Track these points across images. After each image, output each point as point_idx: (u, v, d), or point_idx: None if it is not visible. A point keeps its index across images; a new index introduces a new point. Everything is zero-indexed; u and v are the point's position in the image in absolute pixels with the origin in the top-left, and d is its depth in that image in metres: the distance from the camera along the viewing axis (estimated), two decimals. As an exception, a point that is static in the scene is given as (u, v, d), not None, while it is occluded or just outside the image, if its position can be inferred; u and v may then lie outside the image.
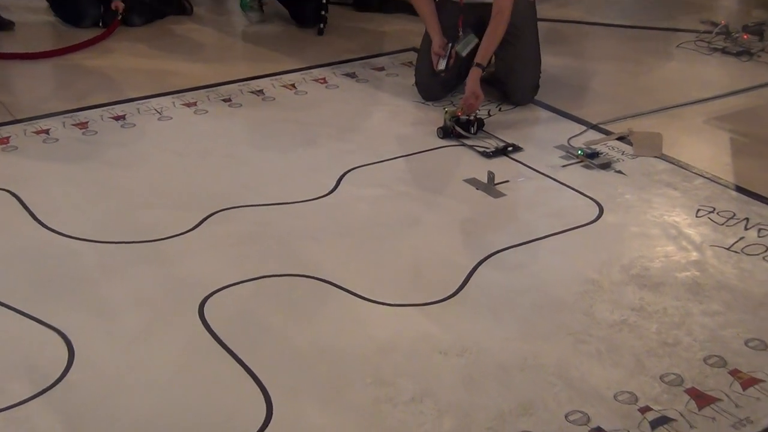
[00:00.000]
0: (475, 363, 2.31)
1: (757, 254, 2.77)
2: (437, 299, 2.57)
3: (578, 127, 3.62)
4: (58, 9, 4.80)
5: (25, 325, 2.44)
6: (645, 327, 2.44)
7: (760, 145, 3.53)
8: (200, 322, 2.46)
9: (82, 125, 3.63)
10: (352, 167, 3.30)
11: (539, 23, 3.94)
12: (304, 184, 3.18)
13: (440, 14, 3.79)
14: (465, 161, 3.36)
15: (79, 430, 2.08)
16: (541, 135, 3.57)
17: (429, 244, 2.85)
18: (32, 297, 2.55)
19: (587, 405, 2.16)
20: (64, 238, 2.85)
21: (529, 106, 3.82)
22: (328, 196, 3.12)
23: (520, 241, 2.85)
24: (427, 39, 3.84)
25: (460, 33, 3.71)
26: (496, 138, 3.51)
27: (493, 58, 3.77)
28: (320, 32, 4.75)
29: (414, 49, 4.41)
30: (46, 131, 3.58)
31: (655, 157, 3.38)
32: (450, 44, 3.71)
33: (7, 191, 3.11)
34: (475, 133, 3.51)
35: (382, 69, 4.25)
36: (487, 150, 3.42)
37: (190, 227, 2.91)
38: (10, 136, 3.52)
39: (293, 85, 4.04)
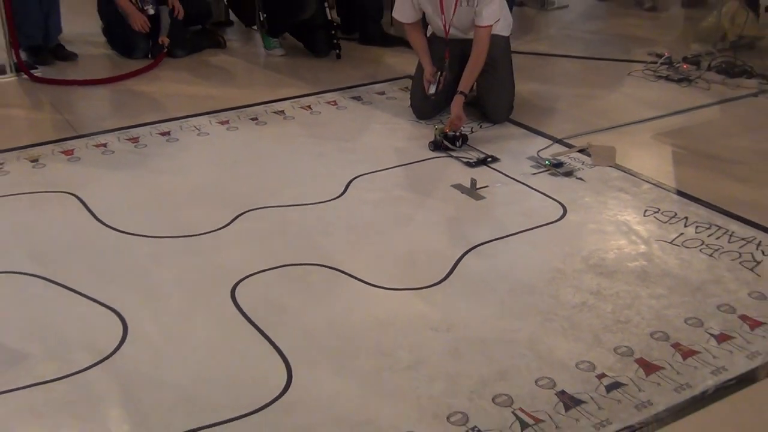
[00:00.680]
0: (461, 337, 2.31)
1: (695, 247, 2.77)
2: (429, 284, 2.57)
3: (545, 142, 3.61)
4: (114, 43, 4.80)
5: (87, 305, 2.45)
6: (601, 308, 2.44)
7: (696, 156, 3.52)
8: (232, 303, 2.46)
9: (134, 140, 3.62)
10: (357, 174, 3.30)
11: (513, 55, 3.93)
12: (318, 189, 3.17)
13: (430, 47, 3.79)
14: (451, 170, 3.36)
15: (131, 393, 2.08)
16: (515, 148, 3.57)
17: (421, 239, 2.85)
18: (93, 282, 2.55)
19: (553, 372, 2.16)
20: (119, 233, 2.85)
21: (505, 124, 3.81)
22: (338, 199, 3.12)
23: (498, 236, 2.85)
24: (419, 68, 3.84)
25: (446, 63, 3.72)
26: (478, 150, 3.51)
27: (475, 84, 3.77)
28: (338, 57, 4.76)
29: (409, 77, 4.41)
30: (104, 145, 3.57)
31: (610, 166, 3.37)
32: (439, 72, 3.71)
33: (72, 194, 3.11)
34: (460, 147, 3.51)
35: (382, 93, 4.24)
36: (470, 160, 3.42)
37: (224, 224, 2.91)
38: (74, 149, 3.52)
39: (309, 107, 4.04)
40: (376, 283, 2.57)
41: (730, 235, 2.84)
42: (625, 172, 3.32)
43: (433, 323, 2.37)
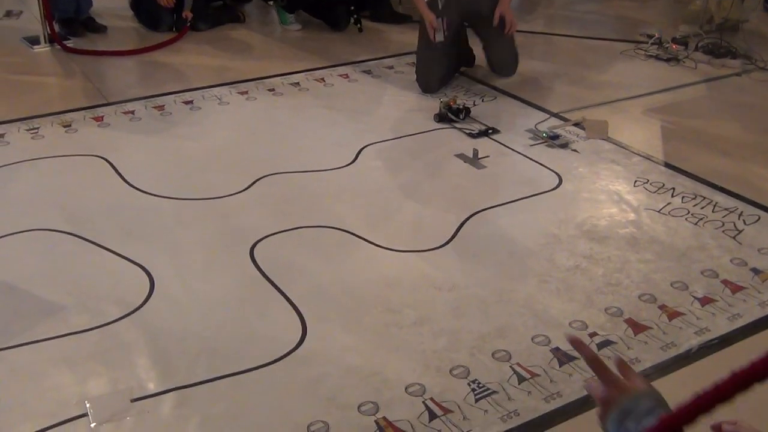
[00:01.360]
0: (462, 297, 2.30)
1: (681, 216, 2.74)
2: (433, 247, 2.55)
3: (543, 115, 3.57)
4: (140, 16, 4.74)
5: (117, 262, 2.43)
6: (593, 271, 2.43)
7: (683, 131, 3.48)
8: (251, 262, 2.44)
9: (160, 108, 3.59)
10: (367, 144, 3.26)
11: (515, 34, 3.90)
12: (330, 156, 3.14)
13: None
14: (455, 140, 3.32)
15: (157, 344, 2.08)
16: (514, 120, 3.53)
17: (426, 204, 2.82)
18: (121, 240, 2.54)
19: (548, 330, 2.15)
20: (146, 195, 2.83)
21: (504, 99, 3.77)
22: (349, 166, 3.09)
23: (498, 203, 2.83)
24: (421, 44, 3.79)
25: (439, 4, 3.68)
26: (480, 122, 3.47)
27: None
28: (360, 30, 4.71)
29: (416, 52, 4.36)
30: (132, 112, 3.54)
31: (603, 139, 3.33)
32: (440, 18, 3.65)
33: (102, 158, 3.09)
34: (463, 119, 3.47)
35: (391, 67, 4.19)
36: (473, 132, 3.38)
37: (243, 188, 2.88)
38: (104, 115, 3.49)
39: (323, 79, 3.99)
40: (384, 245, 2.55)
41: (714, 205, 2.81)
42: (616, 144, 3.29)
43: (437, 283, 2.35)
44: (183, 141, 3.28)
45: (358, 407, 1.88)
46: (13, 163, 3.02)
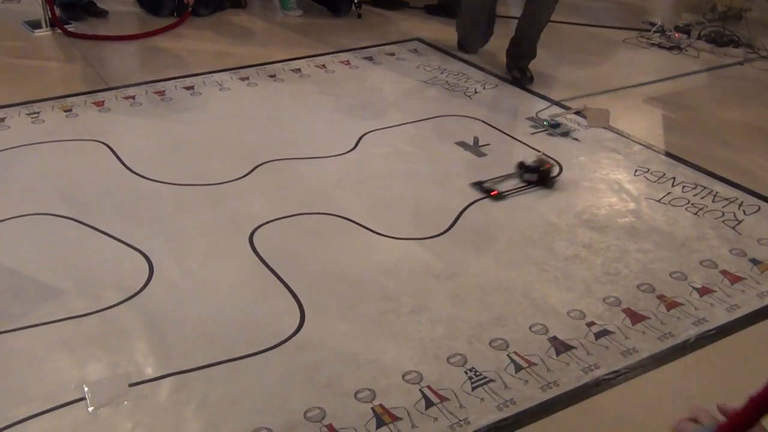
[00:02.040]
0: (461, 285, 2.30)
1: (681, 206, 2.74)
2: (432, 234, 2.55)
3: (544, 103, 3.56)
4: (142, 1, 4.72)
5: (116, 247, 2.43)
6: (592, 260, 2.42)
7: (685, 120, 3.47)
8: (250, 248, 2.44)
9: (160, 93, 3.58)
10: (368, 131, 3.25)
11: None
12: (331, 143, 3.13)
13: None
14: (455, 128, 3.31)
15: (156, 329, 2.08)
16: (515, 108, 3.52)
17: (426, 191, 2.82)
18: (121, 225, 2.54)
19: (546, 319, 2.15)
20: (146, 180, 2.83)
21: (505, 86, 3.75)
22: (350, 153, 3.08)
23: (498, 191, 2.82)
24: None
25: None
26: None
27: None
28: (359, 16, 4.71)
29: (418, 39, 4.35)
30: (133, 97, 3.53)
31: (604, 128, 3.33)
32: None
33: (102, 143, 3.08)
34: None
35: (392, 54, 4.17)
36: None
37: (243, 174, 2.88)
38: (104, 100, 3.48)
39: (324, 66, 3.97)
40: (383, 233, 2.55)
41: (714, 195, 2.81)
42: (617, 133, 3.28)
43: (435, 271, 2.35)
44: (183, 126, 3.27)
45: (355, 394, 1.88)
46: (13, 147, 3.01)
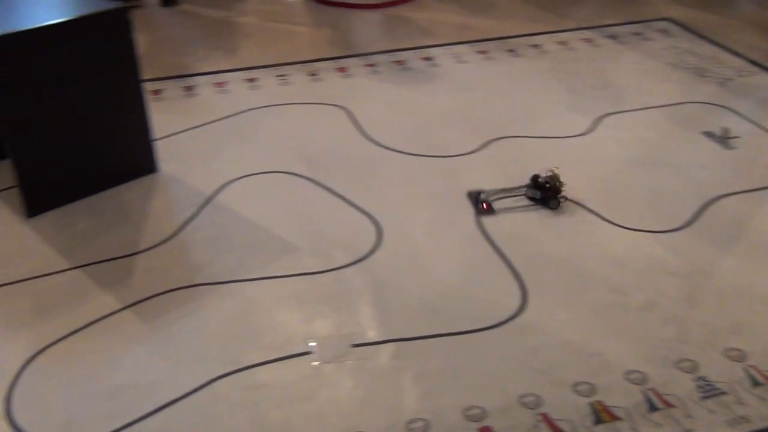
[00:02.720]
0: (697, 285, 2.15)
1: None
2: (670, 228, 2.40)
3: (808, 96, 3.23)
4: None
5: (348, 210, 2.52)
6: None
7: None
8: (476, 224, 2.43)
9: (400, 62, 3.64)
10: (606, 113, 3.12)
11: None
12: (566, 123, 3.04)
13: None
14: (707, 116, 3.08)
15: (380, 294, 2.13)
16: (774, 100, 3.22)
17: (666, 181, 2.65)
18: (354, 189, 2.62)
19: (793, 334, 1.96)
20: (380, 147, 2.90)
21: (765, 74, 3.43)
22: (585, 135, 2.97)
23: (746, 189, 2.60)
24: None
25: None
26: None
27: None
28: None
29: (666, 19, 4.09)
30: (374, 65, 3.62)
31: None
32: None
33: (343, 107, 3.19)
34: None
35: (639, 34, 3.96)
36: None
37: (475, 149, 2.87)
38: (347, 67, 3.60)
39: (564, 43, 3.85)
40: (616, 222, 2.44)
41: None
42: None
43: (670, 267, 2.22)
44: (419, 97, 3.31)
45: (574, 386, 1.82)
46: (263, 107, 3.20)
